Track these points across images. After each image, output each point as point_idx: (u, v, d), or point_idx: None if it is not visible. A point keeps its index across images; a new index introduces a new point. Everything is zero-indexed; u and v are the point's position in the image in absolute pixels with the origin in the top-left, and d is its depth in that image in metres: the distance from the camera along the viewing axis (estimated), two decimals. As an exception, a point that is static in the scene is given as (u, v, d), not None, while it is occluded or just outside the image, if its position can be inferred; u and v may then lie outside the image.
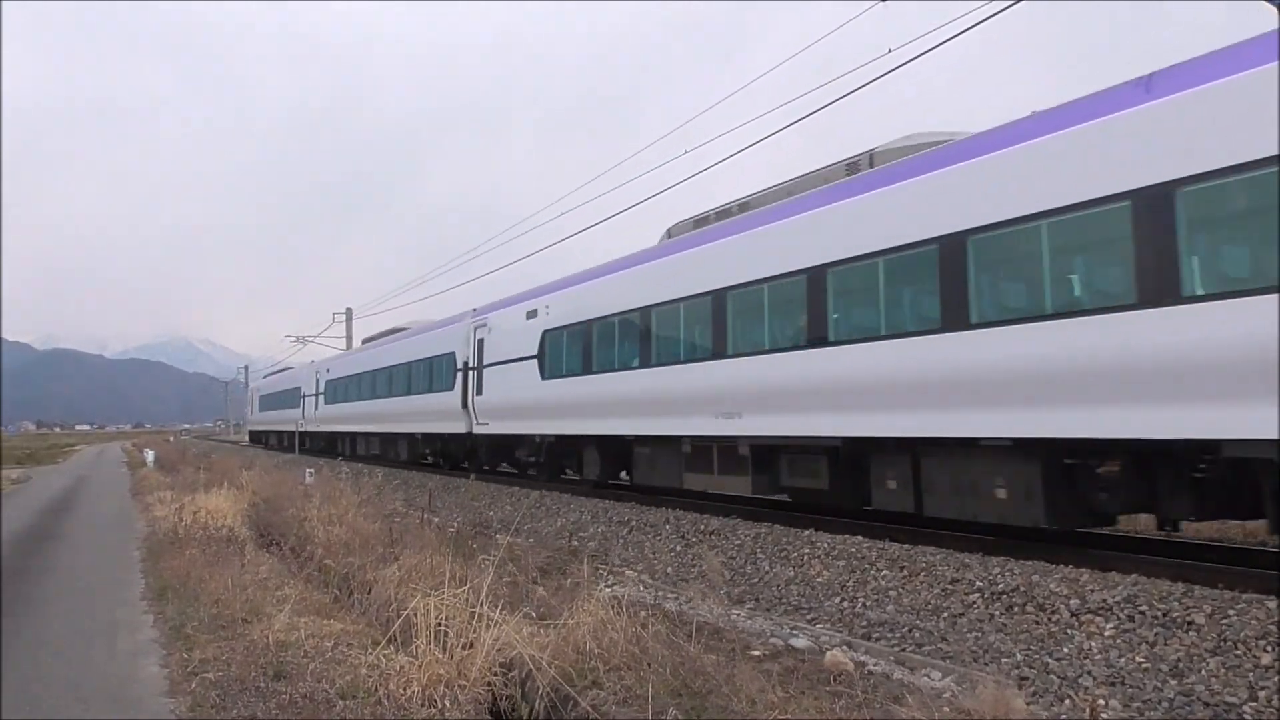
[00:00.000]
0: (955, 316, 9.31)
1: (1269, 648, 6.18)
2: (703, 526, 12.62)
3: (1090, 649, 6.84)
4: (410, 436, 27.95)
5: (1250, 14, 8.14)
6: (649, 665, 5.81)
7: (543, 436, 19.25)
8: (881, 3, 11.61)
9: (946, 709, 5.30)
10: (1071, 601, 7.44)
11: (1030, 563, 8.57)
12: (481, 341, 21.71)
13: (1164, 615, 6.88)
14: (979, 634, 7.58)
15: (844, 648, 7.19)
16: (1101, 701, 6.12)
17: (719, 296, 13.05)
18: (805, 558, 10.32)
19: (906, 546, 9.80)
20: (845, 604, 8.96)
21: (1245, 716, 5.74)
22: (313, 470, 22.25)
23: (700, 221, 14.99)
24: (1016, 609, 7.71)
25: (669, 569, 11.31)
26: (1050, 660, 6.86)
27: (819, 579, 9.69)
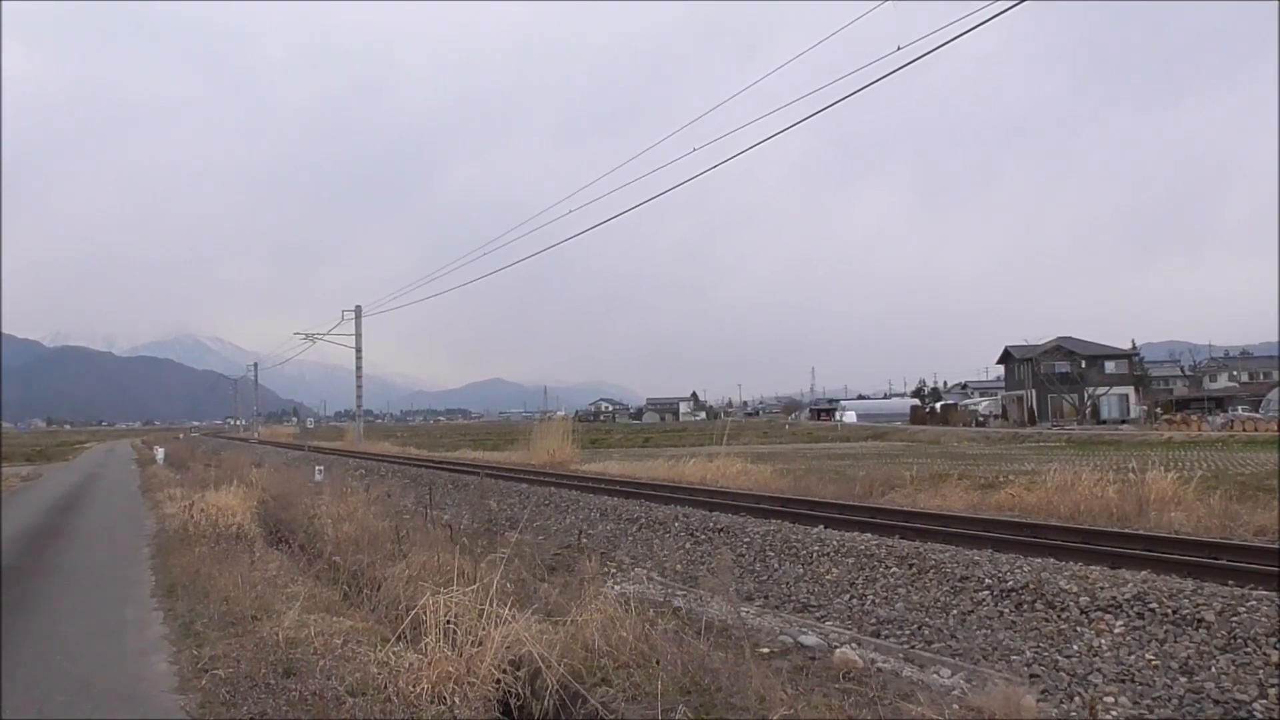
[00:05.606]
0: None
1: (1279, 645, 6.16)
2: (712, 524, 12.61)
3: (1100, 646, 6.81)
4: None
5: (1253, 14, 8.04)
6: (658, 663, 5.81)
7: None
8: (891, 1, 11.54)
9: (956, 706, 5.28)
10: (1081, 599, 7.41)
11: (1039, 560, 8.55)
12: None
13: (1174, 612, 6.85)
14: (988, 631, 7.56)
15: (853, 645, 7.18)
16: (1110, 699, 6.11)
17: None
18: (814, 555, 10.31)
19: (915, 544, 9.78)
20: (854, 601, 8.95)
21: (1255, 714, 5.71)
22: (322, 468, 22.30)
23: None
24: (1026, 606, 7.69)
25: (678, 566, 11.31)
26: (1060, 658, 6.84)
27: (828, 576, 9.68)
